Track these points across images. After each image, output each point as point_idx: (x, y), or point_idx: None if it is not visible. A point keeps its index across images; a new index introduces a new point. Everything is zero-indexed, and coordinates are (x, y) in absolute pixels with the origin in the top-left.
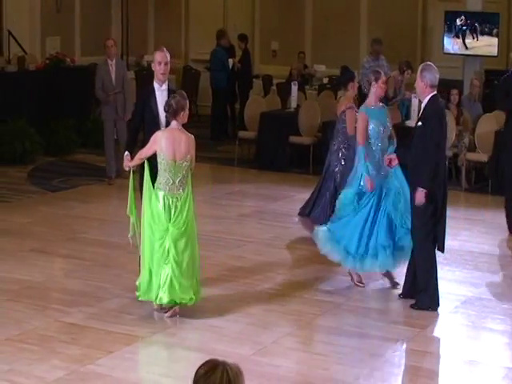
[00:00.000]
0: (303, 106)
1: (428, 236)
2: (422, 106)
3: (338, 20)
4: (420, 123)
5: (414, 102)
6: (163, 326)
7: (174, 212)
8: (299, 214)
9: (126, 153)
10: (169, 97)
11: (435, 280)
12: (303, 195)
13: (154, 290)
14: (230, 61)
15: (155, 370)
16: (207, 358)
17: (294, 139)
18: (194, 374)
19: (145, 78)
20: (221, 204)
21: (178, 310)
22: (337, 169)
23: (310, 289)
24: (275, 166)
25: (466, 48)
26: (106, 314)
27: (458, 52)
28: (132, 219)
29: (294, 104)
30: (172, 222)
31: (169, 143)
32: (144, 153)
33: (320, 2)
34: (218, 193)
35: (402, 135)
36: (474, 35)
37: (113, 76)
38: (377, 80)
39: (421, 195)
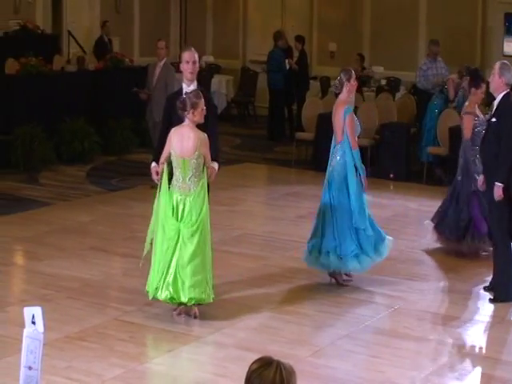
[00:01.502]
0: (361, 108)
1: (504, 230)
2: (496, 102)
3: (397, 21)
4: (494, 119)
5: None
6: (220, 326)
7: (183, 210)
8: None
9: (153, 164)
10: None
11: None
12: None
13: (160, 288)
14: (287, 62)
15: (212, 369)
16: (251, 364)
17: None
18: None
19: (203, 78)
20: (278, 205)
21: (195, 312)
22: (460, 177)
23: (366, 291)
24: None
25: None
26: (163, 313)
27: None
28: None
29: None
30: (183, 221)
31: (178, 140)
32: (164, 156)
33: (378, 3)
34: (274, 194)
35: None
36: None
37: (155, 77)
38: (349, 79)
39: (499, 190)
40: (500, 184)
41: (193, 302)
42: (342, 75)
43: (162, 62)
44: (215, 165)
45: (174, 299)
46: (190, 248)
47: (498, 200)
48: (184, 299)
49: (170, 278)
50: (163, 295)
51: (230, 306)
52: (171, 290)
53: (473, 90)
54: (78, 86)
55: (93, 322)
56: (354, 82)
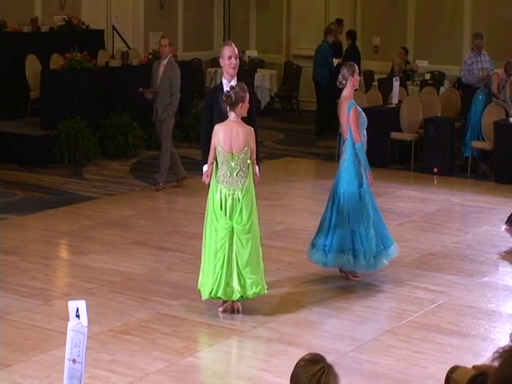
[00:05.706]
0: (405, 102)
1: None
2: None
3: (441, 15)
4: None
5: None
6: (263, 320)
7: (234, 207)
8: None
9: (205, 168)
10: None
11: None
12: (404, 192)
13: (213, 286)
14: (335, 60)
15: (255, 363)
16: (306, 354)
17: (395, 135)
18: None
19: (246, 72)
20: (322, 199)
21: (238, 306)
22: None
23: (409, 286)
24: (376, 162)
25: None
26: (206, 307)
27: None
28: None
29: (395, 100)
30: (235, 220)
31: (226, 135)
32: (212, 156)
33: None
34: (319, 188)
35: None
36: None
37: (159, 76)
38: (352, 74)
39: None
40: None
41: (252, 296)
42: (345, 70)
43: (166, 60)
44: (256, 169)
45: (242, 297)
46: (247, 248)
47: None
48: (250, 295)
49: (234, 278)
50: (232, 296)
51: (273, 300)
52: (239, 289)
53: None
54: (123, 80)
55: (136, 315)
56: (357, 77)
